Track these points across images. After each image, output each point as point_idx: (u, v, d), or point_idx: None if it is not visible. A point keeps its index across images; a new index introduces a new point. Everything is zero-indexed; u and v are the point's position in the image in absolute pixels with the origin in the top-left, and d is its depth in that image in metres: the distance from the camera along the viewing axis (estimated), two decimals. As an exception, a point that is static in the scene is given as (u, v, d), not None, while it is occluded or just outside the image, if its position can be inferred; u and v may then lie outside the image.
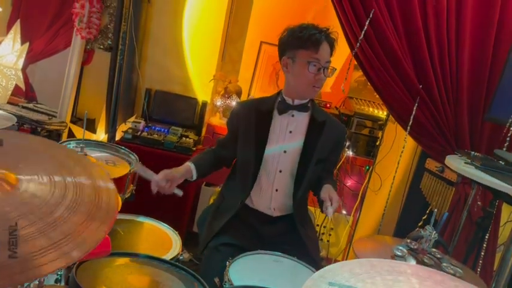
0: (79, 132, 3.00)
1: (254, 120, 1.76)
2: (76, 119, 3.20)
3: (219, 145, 1.90)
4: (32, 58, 3.19)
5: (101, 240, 0.76)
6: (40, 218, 0.74)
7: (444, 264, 1.32)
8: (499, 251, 2.26)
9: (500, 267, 1.69)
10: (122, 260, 1.30)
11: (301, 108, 1.75)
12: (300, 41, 1.66)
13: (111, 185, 0.89)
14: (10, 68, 3.10)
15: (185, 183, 1.75)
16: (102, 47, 3.08)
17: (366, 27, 2.16)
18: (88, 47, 3.07)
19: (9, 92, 3.10)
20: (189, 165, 1.76)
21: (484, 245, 2.15)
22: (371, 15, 2.15)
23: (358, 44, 2.20)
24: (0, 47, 3.08)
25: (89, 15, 2.90)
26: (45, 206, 0.77)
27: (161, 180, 1.63)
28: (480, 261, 2.12)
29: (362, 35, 2.17)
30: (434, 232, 1.39)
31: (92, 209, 0.81)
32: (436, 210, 1.46)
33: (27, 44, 3.11)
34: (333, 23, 1.84)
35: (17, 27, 3.10)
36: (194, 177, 1.77)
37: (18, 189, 0.75)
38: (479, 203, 2.19)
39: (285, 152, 1.75)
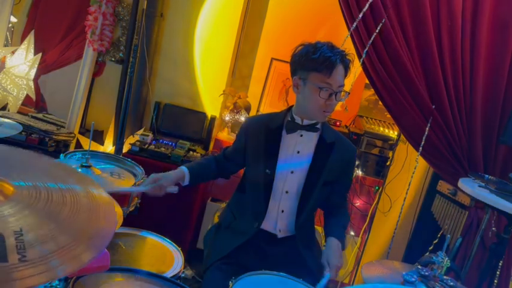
0: (87, 143, 2.98)
1: (263, 138, 1.70)
2: (85, 130, 3.19)
3: (224, 156, 1.84)
4: (44, 69, 3.21)
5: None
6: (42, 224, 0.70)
7: (457, 292, 1.26)
8: (513, 279, 2.18)
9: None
10: (120, 276, 1.26)
11: (310, 128, 1.67)
12: (313, 64, 1.55)
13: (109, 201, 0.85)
14: (22, 78, 3.12)
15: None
16: (113, 59, 3.10)
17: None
18: (100, 59, 3.09)
19: (20, 102, 3.12)
20: (183, 170, 1.71)
21: (498, 273, 2.07)
22: (380, 26, 2.13)
23: (362, 56, 2.17)
24: (13, 56, 3.11)
25: (102, 27, 2.92)
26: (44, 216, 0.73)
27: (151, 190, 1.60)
28: (494, 290, 2.04)
29: (365, 50, 2.15)
30: (447, 259, 1.33)
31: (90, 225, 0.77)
32: (449, 236, 1.41)
33: (39, 55, 3.13)
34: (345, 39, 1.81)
35: (31, 37, 3.13)
36: (186, 183, 1.72)
37: (12, 202, 0.72)
38: (493, 228, 2.12)
39: (292, 172, 1.69)
